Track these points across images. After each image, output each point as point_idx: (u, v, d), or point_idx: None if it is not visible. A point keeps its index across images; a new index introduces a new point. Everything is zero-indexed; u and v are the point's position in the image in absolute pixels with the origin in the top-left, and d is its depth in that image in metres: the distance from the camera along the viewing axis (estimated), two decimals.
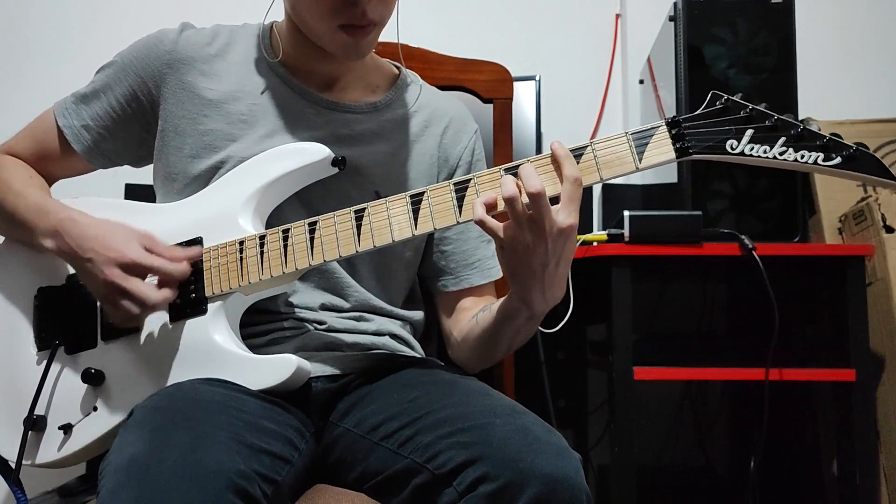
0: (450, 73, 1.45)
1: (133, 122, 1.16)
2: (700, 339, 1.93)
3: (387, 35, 1.13)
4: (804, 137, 0.90)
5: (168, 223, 1.09)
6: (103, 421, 1.04)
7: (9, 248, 1.17)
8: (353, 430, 1.01)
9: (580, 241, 1.53)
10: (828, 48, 2.10)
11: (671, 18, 1.69)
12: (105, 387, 1.05)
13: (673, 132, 0.93)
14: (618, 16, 2.20)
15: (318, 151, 1.08)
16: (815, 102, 1.78)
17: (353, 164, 1.12)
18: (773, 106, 0.93)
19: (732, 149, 0.92)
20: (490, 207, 0.93)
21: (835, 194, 1.78)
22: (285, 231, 1.02)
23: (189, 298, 1.04)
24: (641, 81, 2.07)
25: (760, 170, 0.94)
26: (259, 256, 1.03)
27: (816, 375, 1.60)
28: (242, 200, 1.07)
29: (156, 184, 1.18)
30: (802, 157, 0.90)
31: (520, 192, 0.90)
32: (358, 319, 1.14)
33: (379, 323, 1.16)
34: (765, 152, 0.91)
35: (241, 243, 1.04)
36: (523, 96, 1.86)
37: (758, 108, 0.92)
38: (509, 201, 0.90)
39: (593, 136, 2.13)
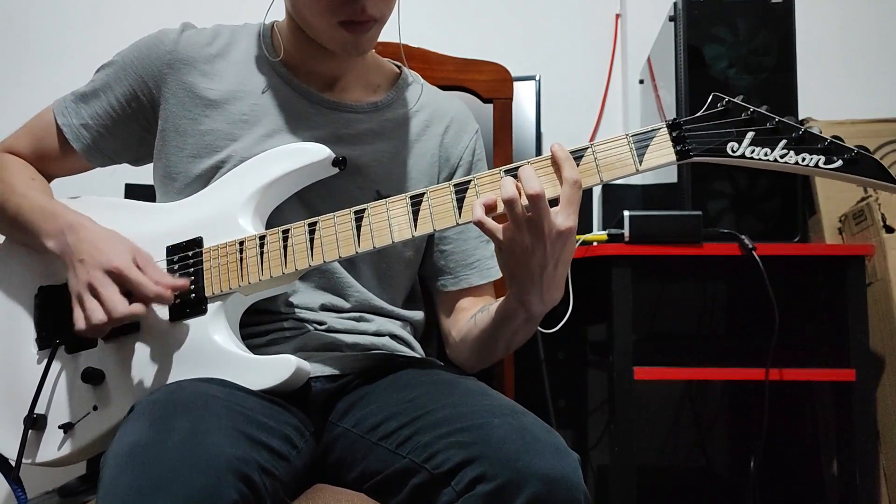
0: (450, 73, 1.45)
1: (133, 121, 1.16)
2: (700, 339, 1.93)
3: (388, 35, 1.13)
4: (805, 140, 0.90)
5: (168, 223, 1.09)
6: (103, 420, 1.04)
7: (10, 248, 1.17)
8: (353, 430, 1.01)
9: (580, 241, 1.53)
10: (828, 48, 2.10)
11: (671, 18, 1.68)
12: (105, 386, 1.05)
13: (674, 134, 0.93)
14: (618, 16, 2.20)
15: (318, 151, 1.08)
16: (815, 102, 1.78)
17: (354, 163, 1.12)
18: (773, 106, 0.93)
19: (733, 151, 0.91)
20: (489, 209, 0.93)
21: (835, 194, 1.77)
22: (285, 231, 1.02)
23: (189, 298, 1.04)
24: (641, 81, 2.07)
25: (760, 170, 0.94)
26: (259, 257, 1.03)
27: (816, 375, 1.60)
28: (243, 200, 1.07)
29: (156, 183, 1.18)
30: (803, 159, 0.90)
31: (519, 193, 0.90)
32: (358, 320, 1.14)
33: (379, 323, 1.16)
34: (766, 155, 0.91)
35: (241, 243, 1.04)
36: (523, 96, 1.85)
37: (759, 110, 0.92)
38: (508, 203, 0.90)
39: (593, 136, 2.13)
